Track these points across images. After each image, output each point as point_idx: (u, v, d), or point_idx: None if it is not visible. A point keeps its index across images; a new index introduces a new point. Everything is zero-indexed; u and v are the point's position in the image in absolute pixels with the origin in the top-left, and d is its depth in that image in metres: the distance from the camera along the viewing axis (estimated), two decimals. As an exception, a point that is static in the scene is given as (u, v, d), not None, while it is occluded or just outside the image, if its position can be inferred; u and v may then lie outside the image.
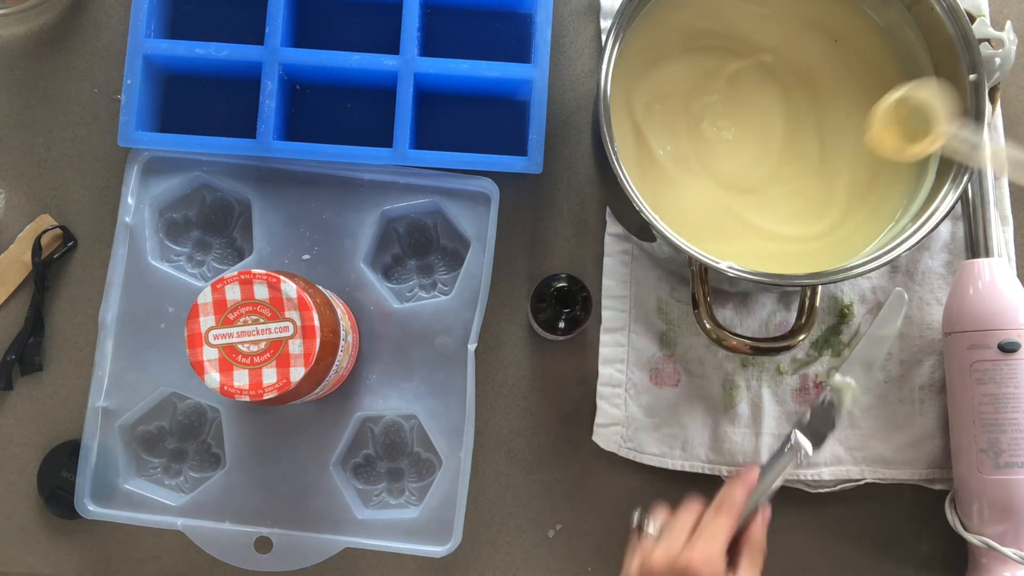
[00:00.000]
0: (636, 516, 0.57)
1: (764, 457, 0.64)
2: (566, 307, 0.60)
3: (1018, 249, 0.67)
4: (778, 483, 0.58)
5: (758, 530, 0.56)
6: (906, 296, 0.63)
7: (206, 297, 0.55)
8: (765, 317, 0.66)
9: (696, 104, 0.62)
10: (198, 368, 0.54)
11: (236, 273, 0.55)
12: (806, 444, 0.59)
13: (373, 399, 0.64)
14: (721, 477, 0.65)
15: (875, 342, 0.62)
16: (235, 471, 0.63)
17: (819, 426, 0.60)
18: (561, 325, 0.61)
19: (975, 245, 0.64)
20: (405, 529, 0.62)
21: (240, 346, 0.54)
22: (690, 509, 0.56)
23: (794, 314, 0.59)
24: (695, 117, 0.62)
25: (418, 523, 0.63)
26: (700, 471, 0.64)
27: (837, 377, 0.61)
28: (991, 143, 0.47)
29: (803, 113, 0.63)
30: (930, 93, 0.47)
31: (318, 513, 0.63)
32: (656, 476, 0.65)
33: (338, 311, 0.59)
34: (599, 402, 0.65)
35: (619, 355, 0.65)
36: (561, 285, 0.60)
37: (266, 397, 0.54)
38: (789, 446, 0.59)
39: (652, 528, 0.56)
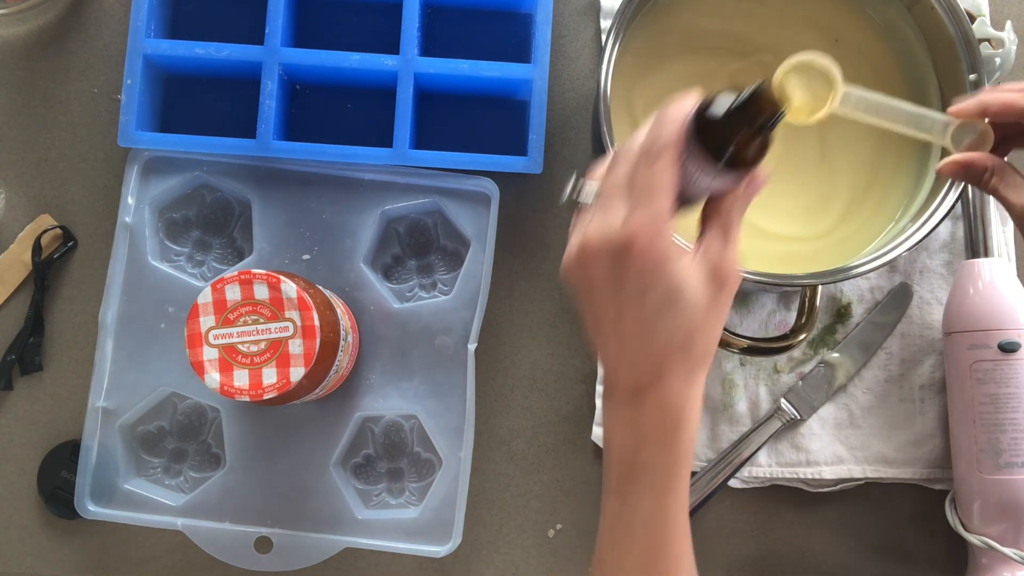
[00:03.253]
0: (569, 185, 0.46)
1: (762, 454, 0.64)
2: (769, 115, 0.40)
3: (1018, 249, 0.67)
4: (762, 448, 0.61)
5: (736, 196, 0.43)
6: (912, 290, 0.64)
7: (206, 297, 0.55)
8: (765, 317, 0.66)
9: (696, 104, 0.62)
10: (198, 368, 0.54)
11: (236, 273, 0.55)
12: (791, 411, 0.63)
13: (373, 399, 0.64)
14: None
15: (875, 327, 0.64)
16: (235, 471, 0.63)
17: (809, 397, 0.64)
18: (756, 144, 0.41)
19: (975, 245, 0.64)
20: (405, 529, 0.62)
21: (240, 346, 0.54)
22: (624, 158, 0.43)
23: (794, 314, 0.59)
24: (695, 117, 0.62)
25: (418, 523, 0.63)
26: (698, 470, 0.64)
27: (833, 354, 0.62)
28: (885, 100, 0.49)
29: (803, 113, 0.63)
30: (814, 56, 0.48)
31: (318, 513, 0.63)
32: (656, 476, 0.65)
33: (338, 311, 0.59)
34: (599, 401, 0.65)
35: (619, 355, 0.65)
36: (750, 91, 0.40)
37: (266, 397, 0.54)
38: (777, 410, 0.63)
39: (588, 195, 0.44)
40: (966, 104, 0.49)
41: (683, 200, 0.43)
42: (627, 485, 0.43)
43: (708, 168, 0.41)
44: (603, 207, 0.42)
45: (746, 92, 0.40)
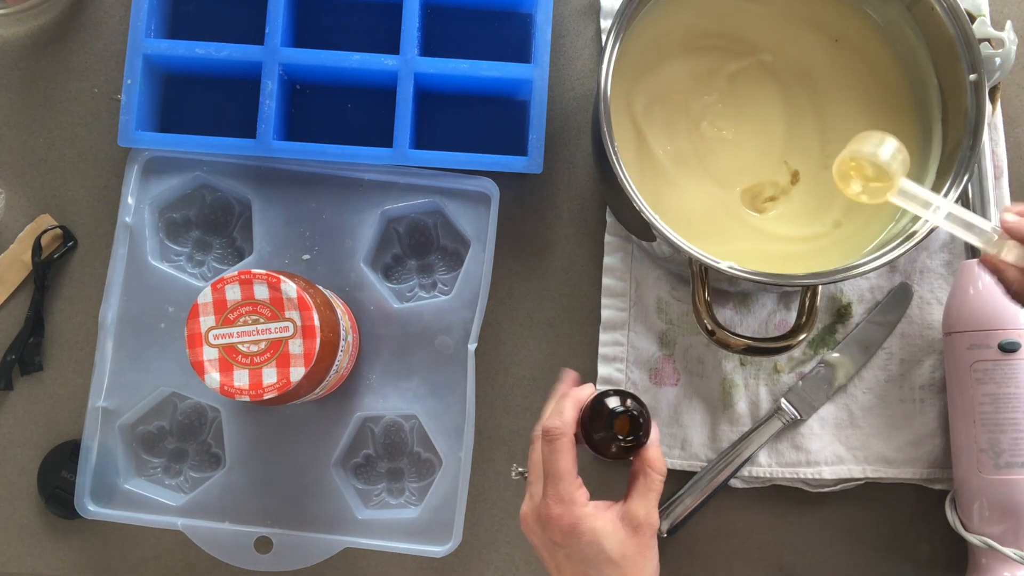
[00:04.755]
0: (513, 469, 0.56)
1: (762, 454, 0.64)
2: (629, 434, 0.51)
3: (1018, 249, 0.67)
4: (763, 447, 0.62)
5: (649, 450, 0.52)
6: (912, 289, 0.64)
7: (206, 297, 0.55)
8: (765, 317, 0.66)
9: (696, 104, 0.62)
10: (198, 368, 0.54)
11: (236, 273, 0.55)
12: (791, 411, 0.63)
13: (373, 399, 0.64)
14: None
15: (876, 327, 0.64)
16: (235, 471, 0.63)
17: (810, 397, 0.64)
18: (613, 450, 0.51)
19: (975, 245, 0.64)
20: (405, 529, 0.62)
21: (240, 346, 0.54)
22: (537, 443, 0.52)
23: (794, 314, 0.59)
24: (695, 117, 0.62)
25: (418, 523, 0.63)
26: (699, 470, 0.64)
27: (833, 354, 0.63)
28: (940, 201, 0.51)
29: (803, 113, 0.63)
30: (880, 149, 0.51)
31: (318, 513, 0.63)
32: (656, 476, 0.65)
33: (338, 311, 0.59)
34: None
35: (619, 354, 0.65)
36: (621, 410, 0.50)
37: (266, 397, 0.54)
38: (777, 410, 0.63)
39: (517, 474, 0.55)
40: (1019, 222, 0.49)
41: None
42: None
43: (601, 450, 0.51)
44: (530, 483, 0.52)
45: (617, 409, 0.50)
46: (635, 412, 0.50)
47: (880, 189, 0.51)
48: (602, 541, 0.49)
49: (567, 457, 0.50)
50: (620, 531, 0.50)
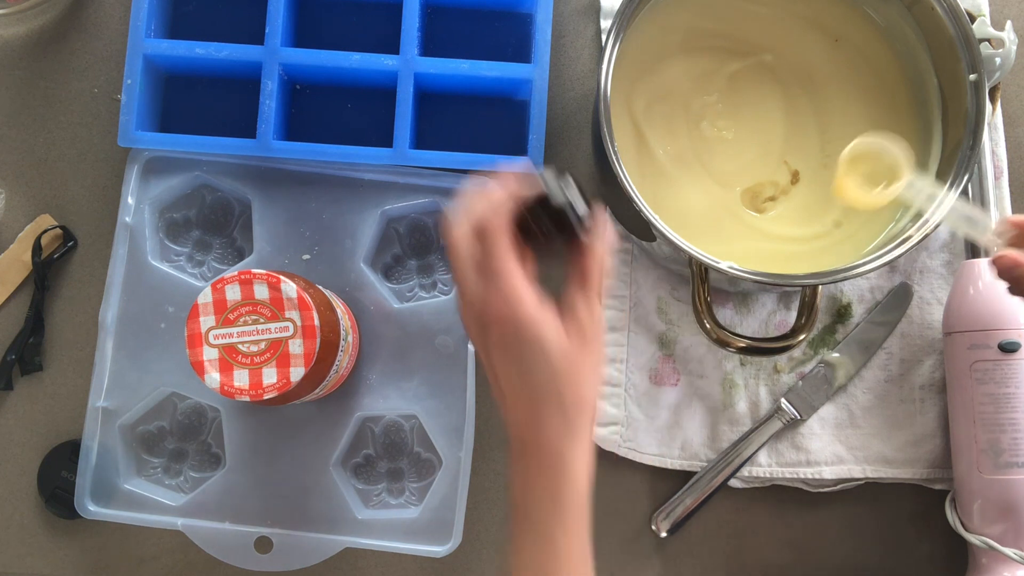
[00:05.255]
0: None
1: (762, 454, 0.64)
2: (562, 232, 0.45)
3: (1018, 249, 0.67)
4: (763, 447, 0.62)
5: (586, 253, 0.45)
6: (912, 289, 0.64)
7: (206, 297, 0.55)
8: (765, 317, 0.66)
9: (696, 104, 0.62)
10: (198, 368, 0.54)
11: (236, 273, 0.55)
12: (791, 411, 0.63)
13: (373, 399, 0.64)
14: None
15: (875, 327, 0.64)
16: (235, 471, 0.63)
17: (810, 397, 0.64)
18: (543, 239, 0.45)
19: (975, 245, 0.64)
20: (405, 529, 0.62)
21: (240, 346, 0.54)
22: (461, 239, 0.45)
23: (794, 314, 0.59)
24: (695, 117, 0.62)
25: (418, 523, 0.63)
26: (699, 470, 0.64)
27: (833, 354, 0.63)
28: (946, 196, 0.51)
29: (803, 113, 0.63)
30: (887, 142, 0.51)
31: (318, 513, 0.63)
32: (655, 475, 0.65)
33: (338, 311, 0.59)
34: (600, 402, 0.65)
35: (619, 355, 0.65)
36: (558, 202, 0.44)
37: (266, 397, 0.54)
38: (778, 410, 0.63)
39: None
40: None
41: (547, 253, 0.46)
42: (516, 531, 0.45)
43: (539, 242, 0.45)
44: (461, 284, 0.45)
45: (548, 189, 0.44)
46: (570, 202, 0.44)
47: (885, 187, 0.51)
48: (543, 339, 0.43)
49: (509, 255, 0.43)
50: (565, 332, 0.43)
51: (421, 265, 0.67)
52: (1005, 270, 0.48)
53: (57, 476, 0.64)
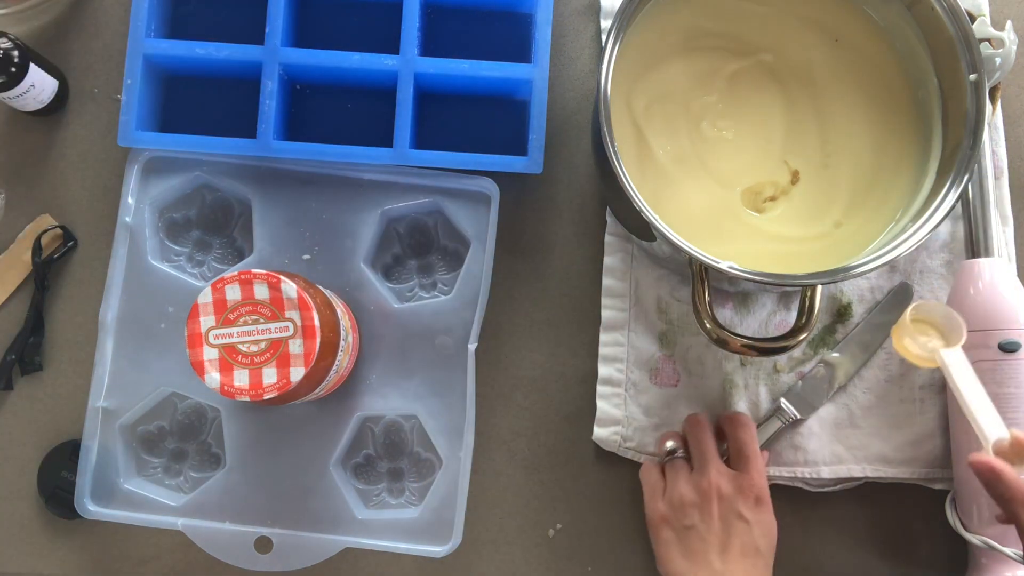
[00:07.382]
0: (663, 448, 0.63)
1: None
2: None
3: (1018, 249, 0.67)
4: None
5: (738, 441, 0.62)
6: (912, 289, 0.64)
7: (206, 297, 0.55)
8: (765, 317, 0.66)
9: (696, 104, 0.62)
10: (198, 368, 0.54)
11: (236, 273, 0.55)
12: (791, 411, 0.64)
13: (373, 399, 0.64)
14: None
15: (875, 327, 0.64)
16: (235, 471, 0.63)
17: (810, 397, 0.64)
18: None
19: (975, 245, 0.64)
20: (405, 529, 0.63)
21: (240, 346, 0.54)
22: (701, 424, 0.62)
23: (794, 314, 0.59)
24: (695, 117, 0.62)
25: (418, 523, 0.63)
26: (700, 471, 0.64)
27: (833, 354, 0.63)
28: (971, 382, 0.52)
29: (803, 113, 0.63)
30: (932, 312, 0.53)
31: (318, 513, 0.63)
32: (656, 476, 0.65)
33: (338, 311, 0.59)
34: (599, 402, 0.65)
35: (619, 355, 0.65)
36: None
37: (266, 397, 0.54)
38: (777, 410, 0.64)
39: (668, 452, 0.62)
40: None
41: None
42: None
43: None
44: (699, 457, 0.61)
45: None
46: None
47: (933, 350, 0.52)
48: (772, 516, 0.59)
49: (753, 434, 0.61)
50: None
51: (421, 265, 0.67)
52: (980, 472, 0.49)
53: (57, 476, 0.64)
